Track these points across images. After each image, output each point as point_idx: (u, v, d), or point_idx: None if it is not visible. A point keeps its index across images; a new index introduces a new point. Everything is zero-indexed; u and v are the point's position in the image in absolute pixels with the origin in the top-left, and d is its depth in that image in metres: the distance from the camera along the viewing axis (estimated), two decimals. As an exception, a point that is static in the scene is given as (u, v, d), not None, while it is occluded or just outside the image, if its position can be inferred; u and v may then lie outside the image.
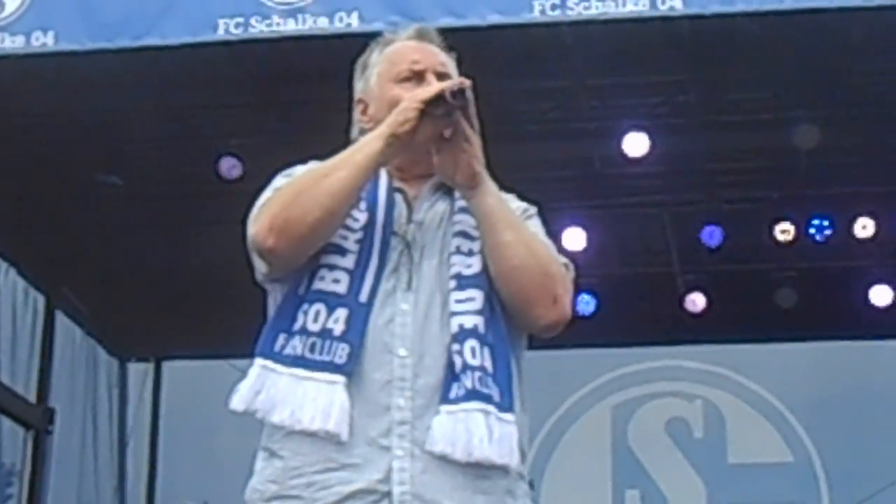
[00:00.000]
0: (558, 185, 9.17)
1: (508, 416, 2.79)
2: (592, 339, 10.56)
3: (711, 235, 10.05)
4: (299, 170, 3.02)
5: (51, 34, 6.96)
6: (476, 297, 2.85)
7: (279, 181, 2.98)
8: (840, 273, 10.40)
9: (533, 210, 3.10)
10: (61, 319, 10.79)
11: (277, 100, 8.75)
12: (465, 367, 2.77)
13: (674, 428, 11.43)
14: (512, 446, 2.77)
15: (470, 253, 2.89)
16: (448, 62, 3.09)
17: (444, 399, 2.76)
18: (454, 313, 2.83)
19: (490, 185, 2.91)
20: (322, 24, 6.79)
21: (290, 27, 6.82)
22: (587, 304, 10.61)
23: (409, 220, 2.95)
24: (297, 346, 2.80)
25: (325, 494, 2.74)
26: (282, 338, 2.83)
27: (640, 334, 11.06)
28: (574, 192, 9.38)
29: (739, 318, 10.80)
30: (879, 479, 10.70)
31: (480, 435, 2.73)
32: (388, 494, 2.72)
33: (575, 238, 9.42)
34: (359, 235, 2.89)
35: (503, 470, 2.78)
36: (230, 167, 9.11)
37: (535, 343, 3.01)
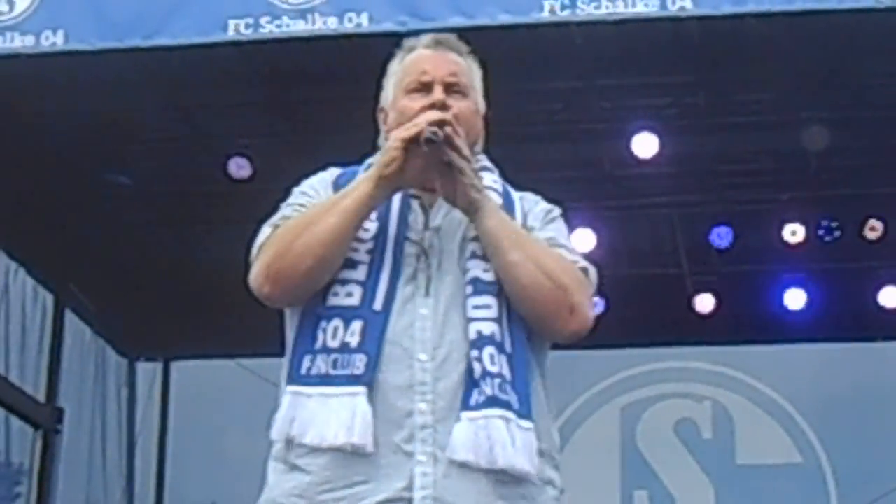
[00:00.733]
0: (567, 185, 9.14)
1: (527, 424, 2.79)
2: (601, 340, 10.45)
3: (721, 236, 10.04)
4: (309, 183, 3.04)
5: (60, 34, 6.97)
6: (491, 304, 2.86)
7: (279, 215, 2.99)
8: (849, 274, 10.38)
9: (556, 212, 3.10)
10: (70, 319, 10.80)
11: (287, 100, 8.75)
12: (485, 373, 2.77)
13: (682, 429, 11.42)
14: (531, 453, 2.77)
15: (486, 257, 2.89)
16: (465, 70, 3.08)
17: (465, 405, 2.77)
18: (472, 319, 2.83)
19: (490, 208, 2.91)
20: (332, 25, 6.80)
21: (299, 27, 6.83)
22: (596, 305, 10.58)
23: (426, 227, 2.95)
24: (320, 365, 2.81)
25: None
26: (307, 359, 2.83)
27: (648, 335, 11.05)
28: (583, 193, 9.37)
29: (748, 319, 10.80)
30: (889, 481, 10.67)
31: (503, 442, 2.73)
32: (411, 501, 2.73)
33: (584, 239, 9.41)
34: (369, 246, 2.90)
35: (523, 476, 2.78)
36: (239, 167, 9.11)
37: (544, 344, 3.01)
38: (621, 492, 11.33)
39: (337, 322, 2.83)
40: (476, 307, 2.84)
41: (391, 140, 2.90)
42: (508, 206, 3.02)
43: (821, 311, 10.62)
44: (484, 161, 3.11)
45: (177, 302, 10.82)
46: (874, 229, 9.78)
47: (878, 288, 10.50)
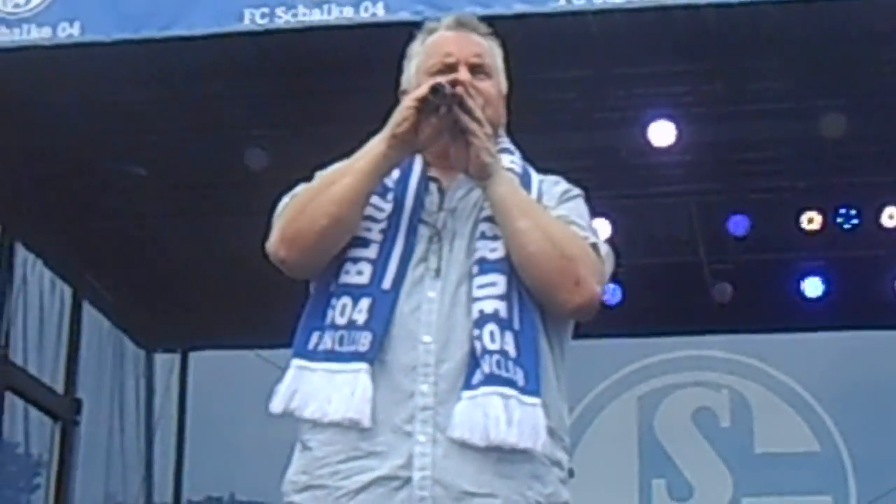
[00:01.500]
0: (584, 174, 9.06)
1: (532, 400, 2.77)
2: (619, 328, 10.54)
3: (738, 225, 10.02)
4: (332, 166, 3.04)
5: (77, 25, 6.98)
6: (498, 281, 2.85)
7: (297, 188, 3.00)
8: (867, 262, 10.36)
9: (575, 192, 3.09)
10: (88, 310, 10.83)
11: (303, 90, 8.75)
12: (484, 351, 2.77)
13: (700, 418, 11.40)
14: (536, 429, 2.76)
15: (495, 237, 2.89)
16: (488, 50, 3.08)
17: (467, 385, 2.77)
18: (475, 299, 2.83)
19: (502, 175, 2.91)
20: (347, 14, 6.79)
21: (315, 17, 6.83)
22: (613, 293, 10.59)
23: (441, 208, 2.95)
24: (327, 341, 2.83)
25: (349, 483, 2.76)
26: (315, 335, 2.85)
27: (666, 324, 11.04)
28: (600, 182, 9.31)
29: (766, 307, 10.78)
30: (907, 469, 10.67)
31: (496, 418, 2.73)
32: (409, 480, 2.73)
33: (601, 228, 9.36)
34: (383, 225, 2.91)
35: (527, 454, 2.77)
36: (256, 157, 9.12)
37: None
38: (639, 481, 11.33)
39: (346, 300, 2.84)
40: (481, 286, 2.84)
41: (405, 101, 2.91)
42: (525, 185, 3.00)
43: (838, 299, 10.60)
44: (505, 143, 3.11)
45: (194, 293, 10.85)
46: (892, 217, 9.75)
47: (896, 276, 10.48)
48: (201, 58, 8.04)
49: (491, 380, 2.75)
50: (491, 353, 2.77)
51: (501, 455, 2.75)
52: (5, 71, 7.59)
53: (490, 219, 2.91)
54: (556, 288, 2.86)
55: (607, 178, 9.44)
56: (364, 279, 2.85)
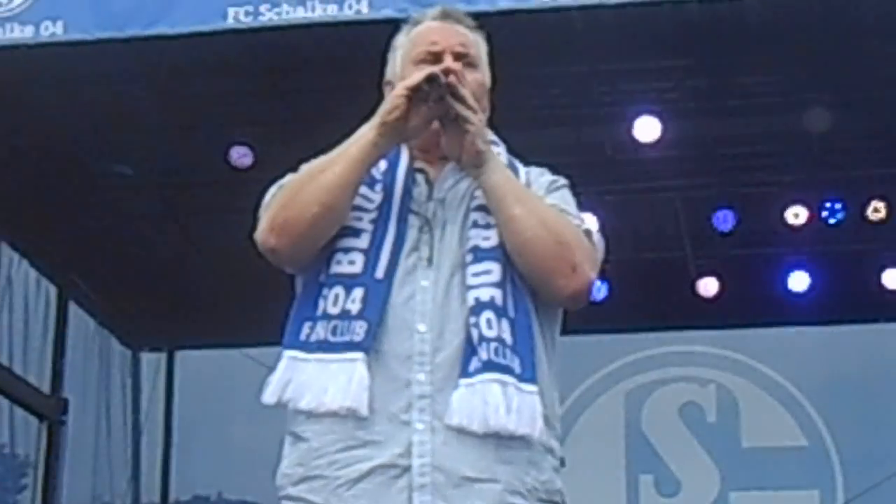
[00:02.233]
0: (569, 171, 9.07)
1: (530, 387, 2.79)
2: (605, 324, 10.55)
3: (724, 220, 10.02)
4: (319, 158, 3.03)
5: (60, 24, 6.96)
6: (493, 269, 2.85)
7: (286, 178, 2.99)
8: (853, 256, 10.37)
9: (562, 181, 3.10)
10: (74, 310, 10.80)
11: (288, 87, 8.74)
12: (481, 338, 2.78)
13: (687, 413, 11.41)
14: (534, 416, 2.77)
15: (487, 226, 2.89)
16: (473, 42, 3.08)
17: (464, 373, 2.77)
18: (470, 287, 2.84)
19: (496, 162, 2.92)
20: (332, 12, 6.78)
21: (299, 14, 6.82)
22: (599, 289, 10.59)
23: (430, 198, 2.95)
24: (320, 331, 2.82)
25: (347, 472, 2.75)
26: (306, 326, 2.84)
27: (652, 319, 11.05)
28: (585, 178, 9.19)
29: (752, 302, 10.78)
30: (894, 462, 10.68)
31: (496, 404, 2.73)
32: (409, 468, 2.73)
33: (587, 224, 9.38)
34: (373, 215, 2.91)
35: (525, 441, 2.78)
36: (241, 156, 9.10)
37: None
38: (627, 476, 11.33)
39: (338, 289, 2.83)
40: (475, 274, 2.84)
41: (396, 89, 2.90)
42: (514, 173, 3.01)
43: (824, 294, 10.61)
44: (490, 135, 3.11)
45: (180, 292, 10.83)
46: (878, 211, 9.77)
47: (882, 269, 10.48)
48: (185, 56, 8.02)
49: (489, 367, 2.76)
50: (488, 340, 2.77)
51: (500, 441, 2.76)
52: (-11, 70, 7.58)
53: (481, 208, 2.91)
54: (553, 274, 2.86)
55: (593, 173, 9.43)
56: (357, 269, 2.85)
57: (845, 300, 10.62)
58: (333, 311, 2.82)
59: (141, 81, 8.49)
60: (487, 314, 2.80)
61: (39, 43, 7.02)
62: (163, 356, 12.01)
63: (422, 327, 2.81)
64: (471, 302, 2.81)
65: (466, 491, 2.73)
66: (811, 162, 9.42)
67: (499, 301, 2.82)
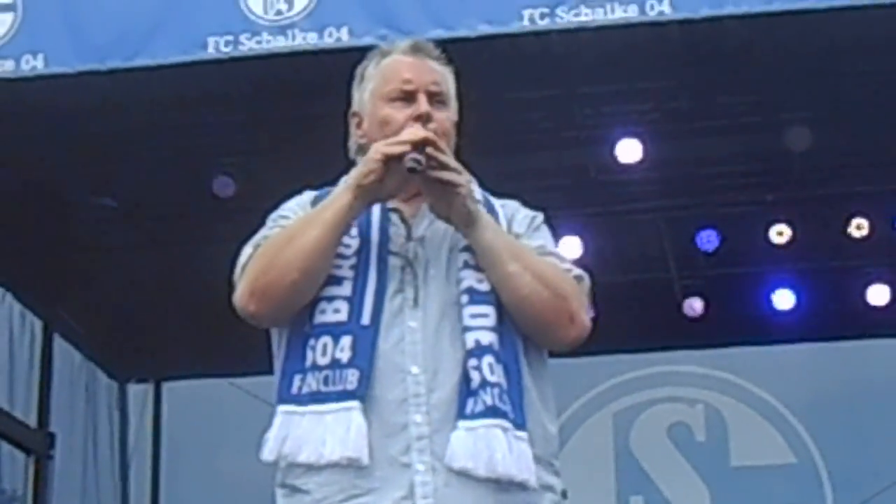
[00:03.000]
0: (553, 193, 9.15)
1: (522, 434, 2.80)
2: (591, 346, 10.47)
3: (707, 240, 10.05)
4: (288, 206, 3.03)
5: (41, 57, 6.95)
6: (489, 313, 2.86)
7: (260, 235, 2.98)
8: (836, 273, 10.40)
9: (540, 218, 3.10)
10: (59, 343, 10.76)
11: (269, 117, 8.75)
12: (485, 383, 2.78)
13: (676, 433, 11.42)
14: (528, 463, 2.79)
15: (479, 268, 2.88)
16: (444, 78, 3.07)
17: (462, 415, 2.77)
18: (469, 328, 2.83)
19: (485, 219, 2.91)
20: (312, 40, 6.79)
21: (279, 43, 6.82)
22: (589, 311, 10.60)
23: (409, 238, 2.94)
24: (311, 383, 2.81)
25: None
26: (297, 379, 2.83)
27: (638, 341, 11.05)
28: (568, 201, 9.37)
29: (738, 320, 10.80)
30: (883, 478, 10.69)
31: (502, 451, 2.74)
32: None
33: (571, 246, 9.40)
34: (352, 261, 2.90)
35: (522, 485, 2.79)
36: (224, 186, 9.10)
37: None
38: (617, 498, 11.32)
39: (326, 339, 2.82)
40: (473, 316, 2.84)
41: (372, 151, 2.89)
42: (491, 214, 3.00)
43: (809, 311, 10.63)
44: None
45: (166, 323, 10.80)
46: (860, 227, 9.80)
47: (866, 286, 10.51)
48: (167, 87, 8.01)
49: (493, 412, 2.77)
50: (492, 385, 2.78)
51: (499, 486, 2.76)
52: (-30, 105, 7.57)
53: (471, 248, 2.90)
54: (551, 326, 2.90)
55: (576, 196, 9.47)
56: (342, 317, 2.84)
57: (830, 317, 10.65)
58: (323, 361, 2.81)
59: (122, 113, 8.47)
60: (489, 359, 2.80)
61: (20, 77, 7.01)
62: (150, 387, 11.97)
63: (415, 369, 2.81)
64: (470, 344, 2.82)
65: None
66: (792, 180, 9.45)
67: (496, 346, 2.83)
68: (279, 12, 6.81)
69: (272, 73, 7.84)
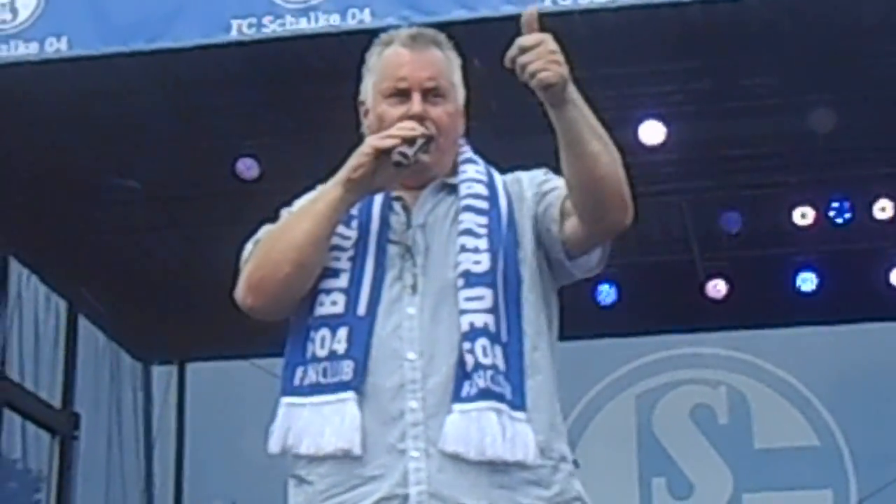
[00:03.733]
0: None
1: (520, 414, 2.80)
2: (614, 328, 10.57)
3: (730, 221, 10.03)
4: (298, 202, 3.05)
5: (64, 40, 6.98)
6: (486, 295, 2.85)
7: (260, 232, 3.02)
8: (861, 255, 10.37)
9: (549, 177, 3.09)
10: (84, 324, 10.81)
11: (292, 99, 8.76)
12: (478, 365, 2.78)
13: (698, 415, 11.41)
14: (526, 443, 2.78)
15: (476, 250, 2.89)
16: (443, 69, 3.06)
17: (457, 398, 2.78)
18: (464, 311, 2.83)
19: (572, 93, 2.89)
20: (334, 22, 6.80)
21: (302, 25, 6.83)
22: (608, 293, 10.61)
23: (409, 225, 2.95)
24: (312, 375, 2.84)
25: None
26: (299, 371, 2.87)
27: (661, 322, 11.04)
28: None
29: (761, 303, 10.78)
30: (907, 460, 10.68)
31: (493, 434, 2.75)
32: (407, 497, 2.75)
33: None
34: (350, 253, 2.92)
35: (520, 465, 2.79)
36: (247, 168, 9.12)
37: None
38: (639, 480, 11.32)
39: (324, 331, 2.85)
40: (468, 299, 2.84)
41: (364, 145, 2.91)
42: (492, 194, 3.00)
43: (833, 293, 10.61)
44: (468, 153, 3.11)
45: (189, 304, 10.83)
46: (884, 209, 9.77)
47: (890, 268, 10.48)
48: (190, 69, 8.04)
49: (486, 395, 2.77)
50: (485, 367, 2.78)
51: (494, 467, 2.77)
52: (-6, 87, 7.60)
53: (468, 231, 2.91)
54: (614, 209, 2.91)
55: (599, 178, 9.44)
56: (339, 308, 2.86)
57: (854, 299, 10.61)
58: (321, 353, 2.84)
59: (146, 95, 8.50)
60: (482, 341, 2.80)
61: (44, 59, 7.03)
62: (173, 368, 12.02)
63: (411, 355, 2.82)
64: (465, 327, 2.82)
65: None
66: (817, 162, 9.42)
67: (492, 327, 2.83)
68: (302, -6, 6.82)
69: (295, 54, 7.87)
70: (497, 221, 2.94)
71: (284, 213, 3.05)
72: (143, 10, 7.04)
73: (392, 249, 2.92)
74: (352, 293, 2.87)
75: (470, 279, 2.86)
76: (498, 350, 2.81)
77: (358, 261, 2.90)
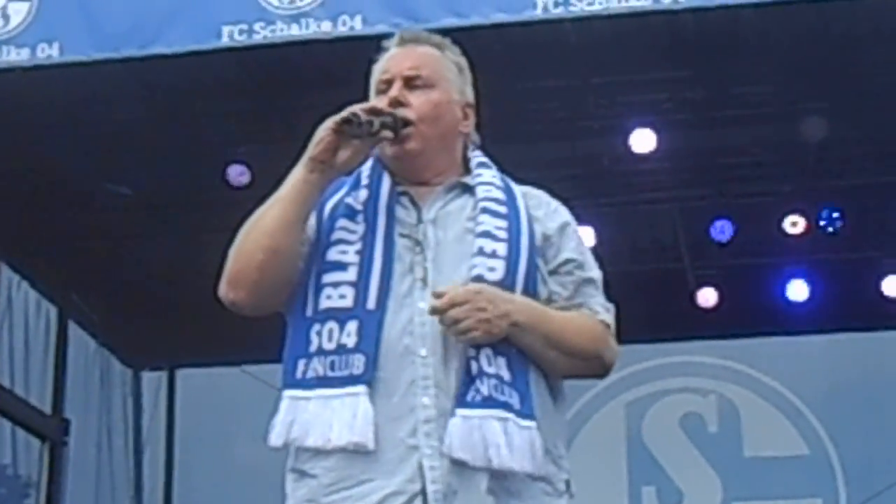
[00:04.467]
0: (566, 183, 9.12)
1: (528, 423, 2.79)
2: (605, 336, 10.53)
3: (721, 230, 10.03)
4: None
5: (56, 46, 6.97)
6: None
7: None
8: (851, 264, 10.38)
9: (568, 216, 3.09)
10: (74, 330, 10.80)
11: (283, 105, 8.75)
12: (482, 373, 2.78)
13: (688, 423, 11.41)
14: (534, 452, 2.78)
15: (493, 255, 2.87)
16: (430, 62, 3.06)
17: (462, 402, 2.77)
18: None
19: (517, 327, 2.83)
20: (326, 28, 6.80)
21: (293, 32, 6.83)
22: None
23: (420, 220, 2.94)
24: (317, 367, 2.81)
25: None
26: (301, 363, 2.83)
27: (652, 331, 11.02)
28: (582, 191, 9.35)
29: (752, 311, 10.79)
30: (896, 470, 10.68)
31: (497, 443, 2.74)
32: (421, 493, 2.73)
33: (585, 236, 9.36)
34: (358, 247, 2.90)
35: (522, 474, 2.78)
36: (238, 174, 9.12)
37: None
38: (629, 488, 11.32)
39: (332, 324, 2.83)
40: None
41: (325, 122, 2.92)
42: (510, 200, 2.99)
43: (824, 302, 10.61)
44: (480, 157, 3.10)
45: (180, 310, 10.82)
46: (875, 219, 9.78)
47: (881, 277, 10.49)
48: (181, 76, 8.04)
49: (489, 403, 2.76)
50: (488, 376, 2.78)
51: (492, 472, 2.76)
52: (-15, 93, 7.59)
53: (486, 234, 2.89)
54: (583, 375, 3.03)
55: (590, 186, 9.46)
56: (348, 302, 2.84)
57: (845, 308, 10.63)
58: (329, 346, 2.81)
59: (138, 102, 8.50)
60: (486, 350, 2.80)
61: (36, 65, 7.03)
62: (163, 375, 12.01)
63: (423, 351, 2.80)
64: None
65: None
66: (808, 171, 9.43)
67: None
68: (293, 1, 6.82)
69: (286, 61, 7.86)
70: (517, 228, 2.94)
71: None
72: (135, 16, 7.03)
73: (402, 242, 2.90)
74: (360, 286, 2.84)
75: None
76: (502, 360, 2.81)
77: (366, 254, 2.88)
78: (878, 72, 8.42)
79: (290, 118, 8.85)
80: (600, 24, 7.12)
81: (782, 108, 8.88)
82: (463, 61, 3.13)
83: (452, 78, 3.08)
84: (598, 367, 3.00)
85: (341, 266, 2.88)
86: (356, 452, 2.75)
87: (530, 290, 2.89)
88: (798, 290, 10.65)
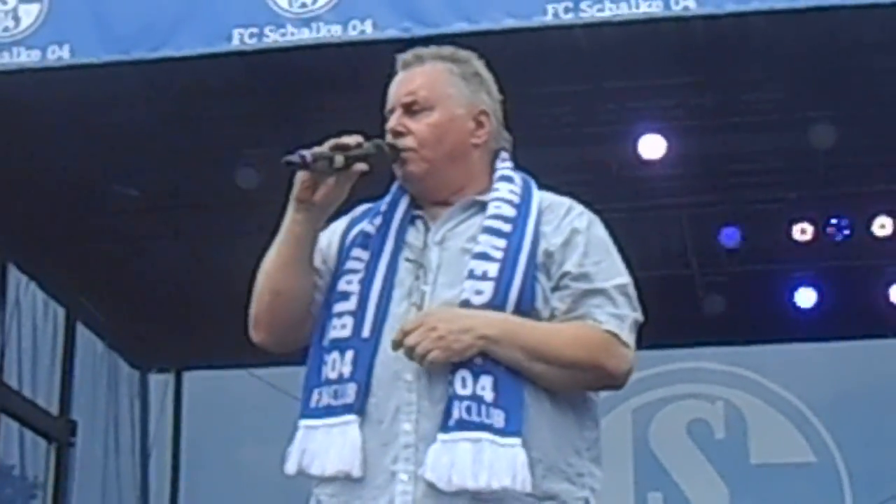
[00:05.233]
0: (575, 189, 9.10)
1: (511, 440, 2.74)
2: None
3: (729, 237, 10.03)
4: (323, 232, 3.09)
5: (66, 48, 6.98)
6: None
7: None
8: (859, 272, 10.37)
9: (581, 230, 3.06)
10: (82, 332, 10.82)
11: (293, 109, 8.76)
12: (455, 396, 2.77)
13: (695, 429, 11.41)
14: (512, 468, 2.72)
15: (484, 276, 2.85)
16: (428, 82, 3.04)
17: (443, 426, 2.77)
18: None
19: (493, 343, 2.80)
20: (336, 32, 6.80)
21: (304, 36, 6.84)
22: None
23: (426, 244, 2.95)
24: (325, 397, 2.87)
25: None
26: (315, 393, 2.89)
27: (659, 337, 10.92)
28: (590, 197, 9.25)
29: (759, 318, 10.78)
30: (903, 478, 10.67)
31: (463, 465, 2.71)
32: None
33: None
34: (361, 275, 2.93)
35: (499, 494, 2.74)
36: (247, 177, 9.12)
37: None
38: (635, 494, 11.32)
39: (335, 354, 2.87)
40: None
41: None
42: (519, 219, 2.95)
43: (831, 310, 10.60)
44: (505, 169, 3.08)
45: (188, 312, 10.84)
46: (883, 226, 9.77)
47: (889, 285, 10.49)
48: (191, 78, 8.04)
49: (461, 425, 2.75)
50: (461, 398, 2.76)
51: (473, 496, 2.73)
52: (-4, 94, 7.60)
53: (482, 255, 2.87)
54: (597, 387, 2.95)
55: (598, 192, 9.38)
56: (347, 332, 2.88)
57: (852, 316, 10.62)
58: (332, 375, 2.86)
59: (147, 104, 8.51)
60: (462, 373, 2.78)
61: (46, 66, 7.04)
62: (171, 377, 12.02)
63: (409, 377, 2.81)
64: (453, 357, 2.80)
65: None
66: (816, 178, 9.42)
67: (478, 360, 2.78)
68: (304, 5, 6.82)
69: (297, 65, 7.87)
70: (517, 246, 2.89)
71: None
72: (145, 18, 7.04)
73: (405, 267, 2.92)
74: (358, 315, 2.88)
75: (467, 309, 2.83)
76: (485, 380, 2.77)
77: (366, 282, 2.91)
78: (886, 80, 8.42)
79: (299, 121, 8.85)
80: (610, 30, 7.12)
81: (791, 115, 8.87)
82: (474, 68, 3.11)
83: (456, 92, 3.05)
84: (604, 378, 2.90)
85: (346, 296, 2.92)
86: (348, 480, 2.80)
87: (524, 310, 2.85)
88: (806, 298, 10.65)
